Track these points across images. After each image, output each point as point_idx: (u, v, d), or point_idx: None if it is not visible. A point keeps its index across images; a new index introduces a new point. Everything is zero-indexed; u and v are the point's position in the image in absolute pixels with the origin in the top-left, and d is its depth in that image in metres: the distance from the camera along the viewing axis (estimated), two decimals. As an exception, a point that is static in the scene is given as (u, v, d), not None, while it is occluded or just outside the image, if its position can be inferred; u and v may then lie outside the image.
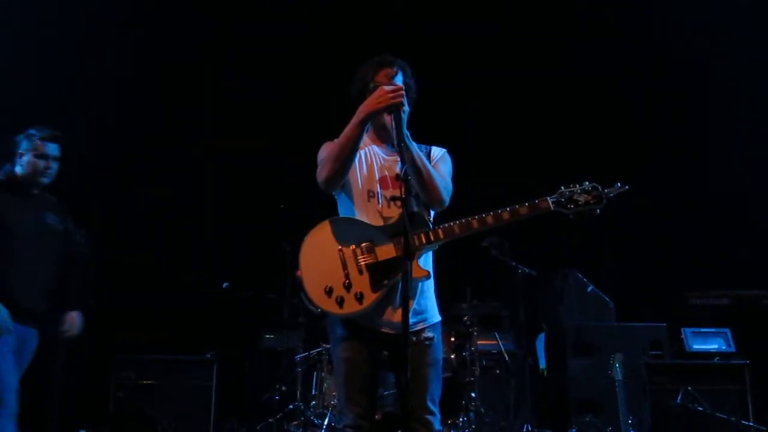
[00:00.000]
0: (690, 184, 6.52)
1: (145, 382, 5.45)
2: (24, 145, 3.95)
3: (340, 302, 2.77)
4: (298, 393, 5.53)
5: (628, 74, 6.67)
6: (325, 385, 5.35)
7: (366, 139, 3.04)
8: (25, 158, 3.92)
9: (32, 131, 3.97)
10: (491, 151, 6.56)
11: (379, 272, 2.78)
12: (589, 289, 6.09)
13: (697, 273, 6.18)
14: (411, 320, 2.70)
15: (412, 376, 2.64)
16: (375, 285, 2.78)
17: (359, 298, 2.76)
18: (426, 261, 2.92)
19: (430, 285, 2.98)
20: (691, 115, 6.65)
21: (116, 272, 5.87)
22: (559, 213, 2.86)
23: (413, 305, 2.85)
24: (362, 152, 3.01)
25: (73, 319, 4.00)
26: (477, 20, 6.65)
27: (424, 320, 2.92)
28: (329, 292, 2.77)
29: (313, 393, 5.50)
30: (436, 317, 2.99)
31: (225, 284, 5.69)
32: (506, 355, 5.73)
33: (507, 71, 6.66)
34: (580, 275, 6.17)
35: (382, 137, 3.08)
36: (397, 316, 2.73)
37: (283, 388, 5.67)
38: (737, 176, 6.42)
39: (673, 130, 6.68)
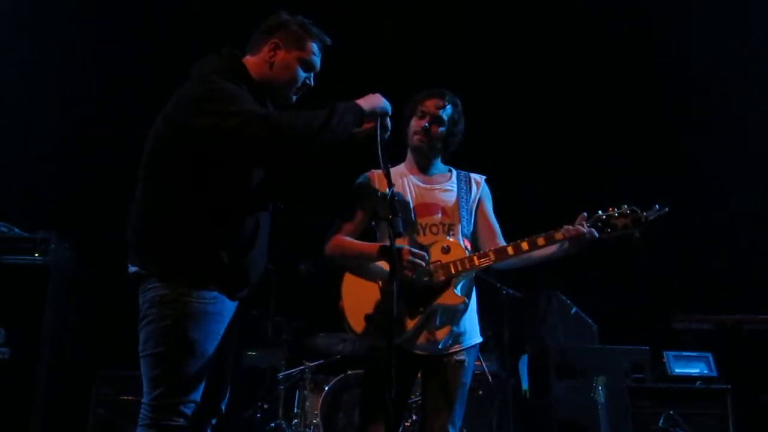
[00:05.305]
0: (676, 207, 6.54)
1: (125, 398, 5.30)
2: (299, 37, 2.62)
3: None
4: (280, 411, 5.49)
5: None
6: (308, 403, 5.32)
7: (403, 168, 3.12)
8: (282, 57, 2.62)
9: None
10: (527, 177, 6.55)
11: (416, 299, 2.82)
12: (573, 311, 6.10)
13: (680, 297, 6.20)
14: (446, 342, 2.88)
15: (439, 397, 2.79)
16: (413, 312, 2.83)
17: (398, 325, 2.78)
18: (464, 287, 2.95)
19: (472, 307, 3.01)
20: (681, 137, 6.69)
21: (98, 285, 5.79)
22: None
23: (452, 328, 2.90)
24: (399, 182, 3.03)
25: None
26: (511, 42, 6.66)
27: (460, 343, 2.94)
28: (369, 320, 2.85)
29: (295, 411, 5.47)
30: (474, 340, 2.99)
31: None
32: (489, 376, 5.70)
33: (541, 94, 6.67)
34: (563, 297, 6.19)
35: (419, 165, 3.12)
36: (434, 338, 2.86)
37: (265, 406, 5.62)
38: (723, 201, 6.47)
39: (661, 152, 6.71)
